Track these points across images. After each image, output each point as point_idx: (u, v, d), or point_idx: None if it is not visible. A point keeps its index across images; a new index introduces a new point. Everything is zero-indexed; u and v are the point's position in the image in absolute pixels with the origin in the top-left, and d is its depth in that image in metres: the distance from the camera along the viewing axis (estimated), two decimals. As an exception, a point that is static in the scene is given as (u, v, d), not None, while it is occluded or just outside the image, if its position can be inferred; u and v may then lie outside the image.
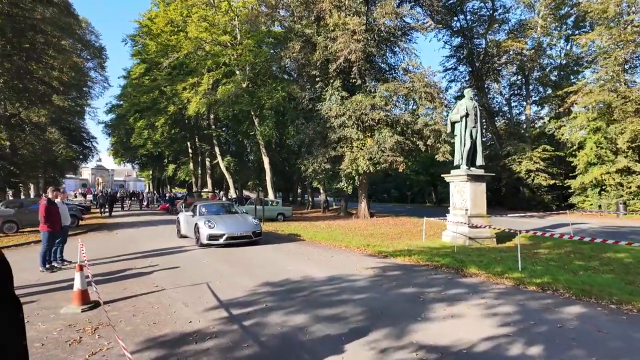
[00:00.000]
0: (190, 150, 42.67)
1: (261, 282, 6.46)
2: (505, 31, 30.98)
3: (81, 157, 46.31)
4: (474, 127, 12.49)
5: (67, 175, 61.80)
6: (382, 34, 20.38)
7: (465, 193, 12.10)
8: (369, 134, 19.58)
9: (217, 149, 32.13)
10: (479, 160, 12.52)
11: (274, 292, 5.84)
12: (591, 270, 7.42)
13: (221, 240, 10.21)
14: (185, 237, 12.33)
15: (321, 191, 31.11)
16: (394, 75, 21.55)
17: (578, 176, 26.56)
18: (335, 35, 18.93)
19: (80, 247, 6.20)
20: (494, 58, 30.37)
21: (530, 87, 30.89)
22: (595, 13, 27.36)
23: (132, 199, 45.00)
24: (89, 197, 54.88)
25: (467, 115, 12.36)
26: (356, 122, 19.00)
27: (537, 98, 32.42)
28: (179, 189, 68.53)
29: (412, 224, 17.83)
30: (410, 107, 19.80)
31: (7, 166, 19.35)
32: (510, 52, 28.65)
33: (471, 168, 12.35)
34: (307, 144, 20.97)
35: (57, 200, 8.45)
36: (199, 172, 42.51)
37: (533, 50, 28.62)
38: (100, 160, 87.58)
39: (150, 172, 69.30)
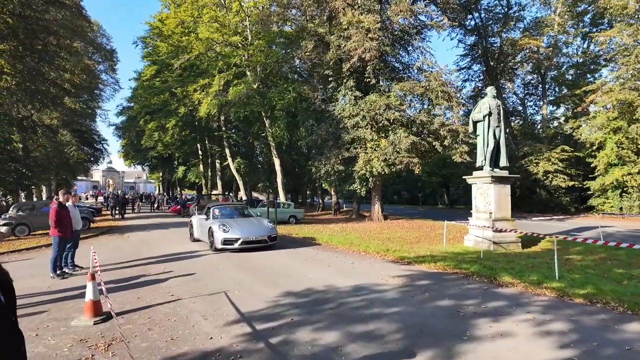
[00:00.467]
0: (200, 152, 42.58)
1: (282, 291, 6.04)
2: (520, 29, 30.34)
3: (92, 159, 46.63)
4: (497, 126, 11.97)
5: (79, 177, 62.28)
6: (395, 33, 19.92)
7: (489, 196, 11.58)
8: (383, 135, 19.11)
9: (227, 151, 31.89)
10: (503, 161, 11.99)
11: (297, 303, 5.43)
12: (636, 280, 6.88)
13: (236, 245, 9.83)
14: (198, 240, 11.99)
15: (332, 193, 30.69)
16: (408, 74, 21.05)
17: (598, 177, 25.75)
18: (348, 34, 18.53)
19: (92, 254, 5.85)
20: (509, 57, 29.71)
21: (546, 87, 30.11)
22: (614, 10, 26.58)
23: (143, 200, 44.96)
24: (100, 199, 55.20)
25: (490, 114, 11.85)
26: (370, 123, 18.55)
27: (552, 97, 31.63)
28: (188, 190, 68.72)
29: (428, 227, 17.29)
30: (426, 106, 19.26)
31: (20, 168, 19.25)
32: (527, 50, 27.95)
33: (495, 169, 11.82)
34: (319, 145, 20.58)
35: (69, 204, 8.15)
36: (209, 174, 42.40)
37: (550, 49, 27.87)
38: (110, 162, 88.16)
39: (160, 174, 69.61)
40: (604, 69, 31.82)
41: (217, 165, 39.12)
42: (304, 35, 20.02)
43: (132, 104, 43.59)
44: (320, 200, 35.98)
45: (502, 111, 12.14)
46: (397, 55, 20.51)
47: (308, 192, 43.24)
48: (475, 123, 12.26)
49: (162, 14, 30.50)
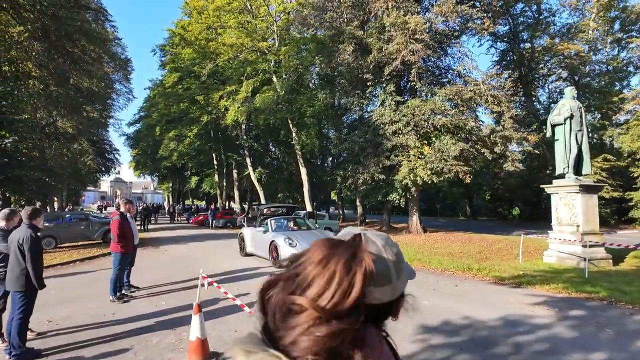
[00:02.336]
0: (215, 162, 41.61)
1: (418, 325, 4.89)
2: (549, 35, 29.44)
3: (104, 169, 45.78)
4: (579, 130, 10.91)
5: (87, 188, 61.46)
6: (436, 36, 19.01)
7: (575, 207, 10.43)
8: (426, 142, 18.06)
9: (248, 160, 30.81)
10: (586, 169, 10.90)
11: (454, 343, 4.29)
12: None
13: (306, 262, 8.71)
14: (251, 255, 10.86)
15: (357, 204, 29.53)
16: (449, 79, 20.09)
17: (640, 189, 24.57)
18: (390, 36, 17.63)
19: (201, 280, 4.71)
20: (540, 63, 28.80)
21: (580, 93, 29.06)
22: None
23: (159, 212, 43.78)
24: (111, 209, 54.21)
25: (571, 116, 10.79)
26: (414, 129, 17.52)
27: (585, 105, 30.56)
28: (198, 201, 67.80)
29: (479, 240, 16.07)
30: (472, 112, 18.21)
31: (42, 177, 18.26)
32: (561, 57, 27.02)
33: (579, 177, 10.72)
34: (356, 152, 19.52)
35: (129, 215, 7.08)
36: (224, 184, 41.33)
37: (590, 53, 26.98)
38: (119, 172, 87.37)
39: (170, 184, 68.66)
40: (635, 76, 30.96)
41: (235, 175, 38.07)
42: (341, 38, 19.11)
43: (143, 114, 42.97)
44: (341, 212, 34.80)
45: (584, 113, 11.07)
46: (439, 59, 19.57)
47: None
48: (553, 127, 11.20)
49: (183, 21, 29.89)
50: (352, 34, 18.67)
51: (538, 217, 32.85)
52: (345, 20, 19.35)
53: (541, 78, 29.67)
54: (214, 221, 26.28)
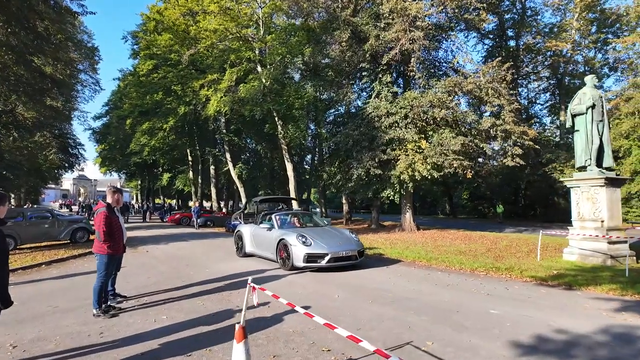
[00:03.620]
0: (190, 158, 39.48)
1: (506, 343, 3.87)
2: (532, 35, 29.65)
3: (67, 165, 42.31)
4: (600, 120, 10.33)
5: (48, 185, 57.30)
6: (431, 27, 18.30)
7: (599, 201, 9.82)
8: (423, 136, 17.29)
9: (227, 155, 29.14)
10: (608, 161, 10.33)
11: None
12: None
13: (323, 263, 7.55)
14: (250, 255, 9.60)
15: (344, 201, 28.56)
16: (443, 71, 19.48)
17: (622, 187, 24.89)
18: (387, 23, 16.74)
19: (249, 293, 3.47)
20: (524, 62, 28.93)
21: (563, 93, 29.41)
22: (633, 16, 26.33)
23: (128, 210, 41.04)
24: (75, 208, 50.87)
25: (593, 106, 10.20)
26: (413, 122, 16.71)
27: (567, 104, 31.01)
28: (169, 200, 65.07)
29: (481, 238, 15.45)
30: (471, 105, 17.63)
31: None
32: (546, 55, 27.19)
33: (602, 170, 10.14)
34: (349, 147, 18.51)
35: (116, 208, 5.71)
36: (199, 180, 39.28)
37: (572, 53, 27.26)
38: (82, 169, 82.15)
39: (139, 181, 65.28)
40: (610, 78, 31.76)
41: (212, 171, 36.15)
42: (335, 24, 18.03)
43: (112, 106, 40.14)
44: (324, 210, 33.74)
45: (604, 103, 10.53)
46: (435, 51, 18.88)
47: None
48: (573, 117, 10.59)
49: (158, 6, 27.84)
50: (348, 20, 17.66)
51: (517, 215, 33.16)
52: (340, 5, 18.31)
53: (524, 76, 29.82)
54: (191, 220, 24.70)
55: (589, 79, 10.71)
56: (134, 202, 72.81)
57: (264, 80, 21.19)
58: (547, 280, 7.09)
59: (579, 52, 27.94)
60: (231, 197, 47.53)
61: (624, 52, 26.99)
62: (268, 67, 21.50)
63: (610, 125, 25.73)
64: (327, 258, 7.53)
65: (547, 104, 32.34)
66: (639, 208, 24.78)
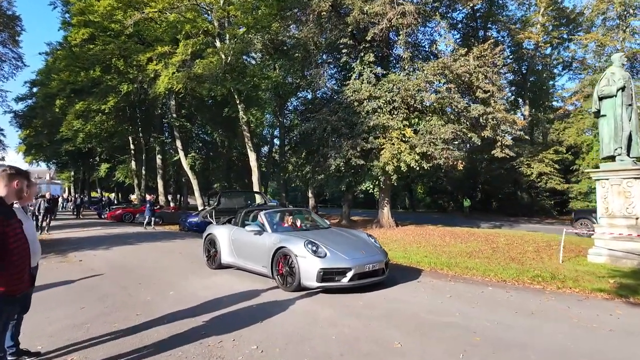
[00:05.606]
0: (132, 146, 35.06)
1: None
2: (496, 29, 29.46)
3: (-18, 153, 36.01)
4: (629, 104, 9.18)
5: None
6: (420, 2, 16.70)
7: (633, 196, 8.63)
8: (407, 123, 15.68)
9: (178, 143, 25.72)
10: (637, 150, 9.21)
11: None
12: None
13: (345, 281, 5.36)
14: (227, 267, 7.20)
15: (309, 195, 26.52)
16: (425, 54, 18.05)
17: (583, 180, 25.31)
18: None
19: None
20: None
21: (527, 87, 29.53)
22: (593, 13, 26.77)
23: (57, 205, 35.63)
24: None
25: (623, 88, 9.00)
26: (399, 107, 15.01)
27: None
28: (107, 193, 59.17)
29: (471, 235, 14.05)
30: (460, 91, 16.24)
31: None
32: (514, 48, 26.97)
33: (635, 160, 8.98)
34: (325, 135, 16.44)
35: (17, 207, 3.18)
36: (143, 172, 35.01)
37: (534, 47, 27.28)
38: (3, 159, 71.81)
39: (72, 172, 58.30)
40: (564, 75, 32.65)
41: (158, 161, 32.20)
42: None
43: (37, 87, 34.51)
44: (287, 205, 31.45)
45: (633, 86, 9.38)
46: (418, 31, 17.32)
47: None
48: (600, 100, 9.34)
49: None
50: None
51: (476, 209, 33.20)
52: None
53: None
54: (136, 217, 21.37)
55: (617, 58, 9.51)
56: (65, 195, 65.04)
57: (223, 56, 18.41)
58: (620, 294, 5.55)
59: (547, 45, 28.00)
60: (179, 190, 43.61)
61: (586, 48, 27.45)
62: (230, 41, 18.72)
63: (574, 121, 26.09)
64: (349, 275, 5.36)
65: (510, 98, 32.53)
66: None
